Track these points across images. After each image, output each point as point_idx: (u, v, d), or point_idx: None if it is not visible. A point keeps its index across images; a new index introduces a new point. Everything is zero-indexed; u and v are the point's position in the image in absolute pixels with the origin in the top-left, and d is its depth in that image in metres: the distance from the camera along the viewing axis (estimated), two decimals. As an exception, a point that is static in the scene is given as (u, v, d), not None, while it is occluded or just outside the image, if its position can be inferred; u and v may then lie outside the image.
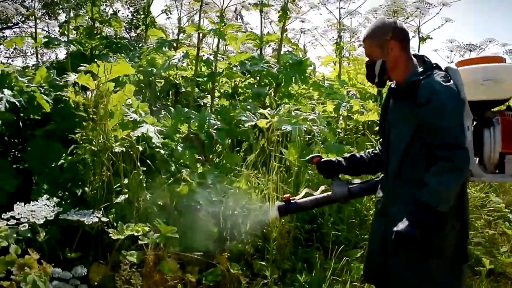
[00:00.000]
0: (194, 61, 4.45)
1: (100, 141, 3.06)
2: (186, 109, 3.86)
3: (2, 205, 2.67)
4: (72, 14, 4.79)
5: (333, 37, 6.52)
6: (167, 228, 2.64)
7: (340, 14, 6.00)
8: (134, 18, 6.13)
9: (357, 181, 2.33)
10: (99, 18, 4.93)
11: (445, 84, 1.93)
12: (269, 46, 6.04)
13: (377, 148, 2.34)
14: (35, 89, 3.03)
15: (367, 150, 2.39)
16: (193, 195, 3.07)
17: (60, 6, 5.33)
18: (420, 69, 2.01)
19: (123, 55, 4.99)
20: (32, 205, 2.49)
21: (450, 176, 1.83)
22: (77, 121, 3.37)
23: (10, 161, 3.22)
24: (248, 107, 4.09)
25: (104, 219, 2.66)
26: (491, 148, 2.07)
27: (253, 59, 4.75)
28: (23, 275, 2.12)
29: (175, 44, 5.09)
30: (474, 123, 2.11)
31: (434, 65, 2.04)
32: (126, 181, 3.08)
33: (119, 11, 6.09)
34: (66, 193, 2.93)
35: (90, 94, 3.46)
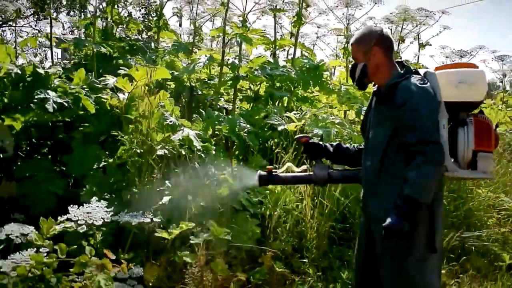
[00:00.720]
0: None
1: (144, 144, 3.10)
2: (216, 112, 3.92)
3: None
4: (88, 14, 4.81)
5: (339, 42, 6.71)
6: (219, 230, 2.69)
7: (348, 21, 6.14)
8: (146, 20, 6.17)
9: (338, 168, 2.45)
10: (118, 20, 4.94)
11: (421, 85, 2.05)
12: (283, 50, 6.11)
13: (362, 144, 2.43)
14: (80, 90, 3.05)
15: (353, 144, 2.54)
16: (236, 197, 3.14)
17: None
18: (399, 74, 2.15)
19: (139, 57, 5.04)
20: (86, 207, 2.51)
21: (427, 168, 1.94)
22: (112, 123, 3.43)
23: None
24: (275, 110, 4.17)
25: (156, 219, 2.70)
26: (464, 146, 2.16)
27: (271, 63, 4.84)
28: (91, 276, 2.15)
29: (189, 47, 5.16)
30: (450, 123, 2.20)
31: (413, 70, 2.17)
32: (167, 182, 3.13)
33: (130, 13, 6.08)
34: (113, 195, 2.94)
35: (123, 96, 3.52)
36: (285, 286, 2.93)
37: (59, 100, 2.86)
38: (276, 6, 4.97)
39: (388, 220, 1.93)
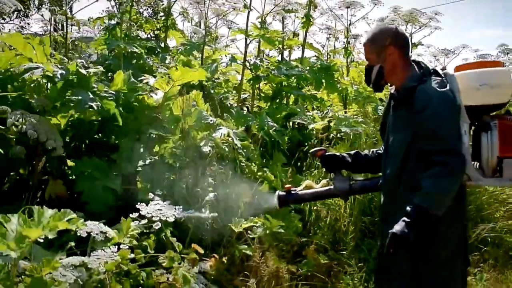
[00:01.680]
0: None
1: (188, 141, 3.20)
2: (245, 112, 4.04)
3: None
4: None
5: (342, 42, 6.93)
6: (274, 224, 2.83)
7: (350, 22, 6.35)
8: (154, 20, 6.20)
9: (358, 178, 2.38)
10: (136, 20, 4.99)
11: (440, 90, 1.94)
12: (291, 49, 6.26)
13: (381, 148, 2.34)
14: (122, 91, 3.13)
15: (372, 150, 2.40)
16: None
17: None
18: (417, 75, 2.03)
19: (154, 56, 5.11)
20: (155, 204, 2.61)
21: (445, 180, 1.85)
22: (148, 122, 3.51)
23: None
24: (298, 110, 4.33)
25: (213, 215, 2.81)
26: (488, 152, 2.06)
27: (286, 64, 5.00)
28: (175, 270, 2.26)
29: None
30: (472, 127, 2.13)
31: (432, 71, 2.05)
32: (210, 179, 3.24)
33: (142, 12, 6.11)
34: (164, 191, 3.04)
35: (159, 96, 3.61)
36: (330, 277, 3.10)
37: (97, 103, 2.91)
38: (292, 8, 5.13)
39: (396, 227, 1.86)
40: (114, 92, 2.98)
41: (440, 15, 6.61)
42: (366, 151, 2.39)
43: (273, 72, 4.74)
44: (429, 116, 1.91)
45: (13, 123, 2.90)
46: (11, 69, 3.36)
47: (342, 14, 6.41)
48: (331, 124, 4.07)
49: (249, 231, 2.84)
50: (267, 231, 2.83)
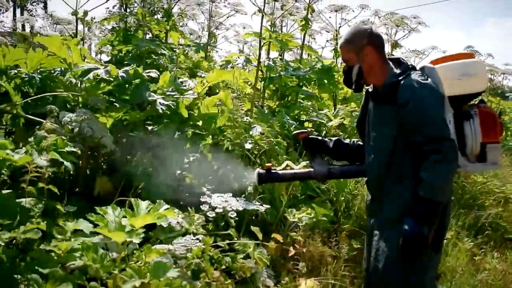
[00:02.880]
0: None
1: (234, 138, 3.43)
2: (266, 111, 4.29)
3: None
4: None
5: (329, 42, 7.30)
6: (321, 211, 3.11)
7: (339, 24, 6.72)
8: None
9: (337, 163, 2.43)
10: (148, 21, 5.11)
11: (423, 82, 2.00)
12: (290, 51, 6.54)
13: (361, 141, 2.40)
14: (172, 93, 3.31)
15: (353, 140, 2.45)
16: (308, 185, 3.57)
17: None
18: (397, 71, 2.08)
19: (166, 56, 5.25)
20: (217, 196, 2.82)
21: (442, 167, 1.89)
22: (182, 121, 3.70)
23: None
24: (311, 108, 4.62)
25: (267, 206, 3.06)
26: (472, 139, 2.10)
27: (291, 65, 5.29)
28: (252, 254, 2.50)
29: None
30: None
31: (410, 66, 2.11)
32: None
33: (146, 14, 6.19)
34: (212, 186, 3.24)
35: (192, 96, 3.80)
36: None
37: (164, 102, 3.10)
38: (293, 11, 5.42)
39: (406, 227, 1.88)
40: (174, 93, 3.14)
41: (417, 18, 7.11)
42: (347, 140, 2.44)
43: (282, 73, 5.01)
44: (414, 108, 1.95)
45: (69, 121, 3.03)
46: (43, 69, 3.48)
47: (330, 17, 6.79)
48: (345, 121, 4.38)
49: (298, 219, 3.08)
50: (313, 219, 3.10)
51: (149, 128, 3.39)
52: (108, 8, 5.98)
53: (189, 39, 5.98)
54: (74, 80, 3.70)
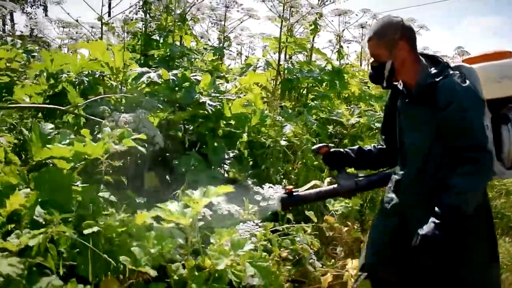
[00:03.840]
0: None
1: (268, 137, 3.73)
2: (290, 110, 4.60)
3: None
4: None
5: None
6: (356, 201, 3.43)
7: (343, 29, 7.07)
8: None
9: (361, 174, 2.32)
10: (171, 26, 5.37)
11: (464, 85, 1.90)
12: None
13: (380, 143, 2.35)
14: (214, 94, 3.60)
15: (373, 145, 2.37)
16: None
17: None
18: (433, 70, 1.96)
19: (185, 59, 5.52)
20: (268, 188, 3.12)
21: (477, 178, 1.83)
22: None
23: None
24: (328, 108, 4.95)
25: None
26: (510, 143, 2.02)
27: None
28: (305, 237, 2.80)
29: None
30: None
31: (446, 65, 1.99)
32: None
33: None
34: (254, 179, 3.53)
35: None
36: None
37: (211, 103, 3.38)
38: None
39: (425, 228, 1.83)
40: (219, 95, 3.42)
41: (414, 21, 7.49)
42: (368, 147, 2.34)
43: (297, 75, 5.32)
44: (456, 112, 1.87)
45: (125, 121, 3.30)
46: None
47: (332, 20, 7.14)
48: (361, 120, 4.71)
49: (337, 209, 3.39)
50: (349, 209, 3.42)
51: (185, 127, 3.65)
52: (124, 13, 6.16)
53: (202, 43, 6.24)
54: (114, 83, 3.98)
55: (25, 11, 10.75)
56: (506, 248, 3.92)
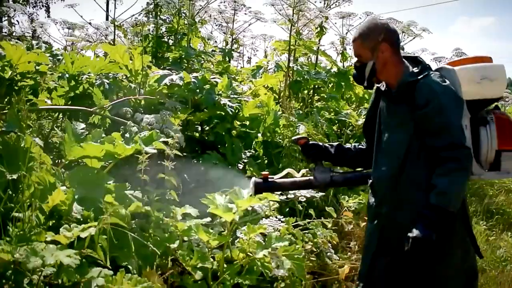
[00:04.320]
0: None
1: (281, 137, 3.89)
2: (300, 111, 4.76)
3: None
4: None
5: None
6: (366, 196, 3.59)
7: (347, 31, 7.23)
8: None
9: (339, 170, 2.38)
10: (182, 29, 5.50)
11: (443, 84, 1.92)
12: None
13: (362, 144, 2.34)
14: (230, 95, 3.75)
15: (354, 144, 2.38)
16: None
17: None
18: (415, 70, 1.98)
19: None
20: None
21: (458, 176, 1.83)
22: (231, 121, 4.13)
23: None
24: (337, 109, 5.11)
25: (322, 193, 3.52)
26: (488, 146, 2.04)
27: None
28: (323, 231, 2.97)
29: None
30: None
31: (427, 66, 2.02)
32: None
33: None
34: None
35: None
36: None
37: (231, 104, 3.53)
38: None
39: (415, 231, 1.83)
40: (237, 96, 3.57)
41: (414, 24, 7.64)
42: (348, 145, 2.35)
43: (305, 76, 5.48)
44: (434, 111, 1.87)
45: (148, 121, 3.44)
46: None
47: (336, 23, 7.29)
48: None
49: (352, 205, 3.55)
50: (361, 205, 3.58)
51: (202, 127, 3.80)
52: (133, 15, 6.30)
53: (211, 45, 6.38)
54: (133, 85, 4.12)
55: (26, 12, 10.81)
56: (508, 242, 4.10)
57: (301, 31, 5.56)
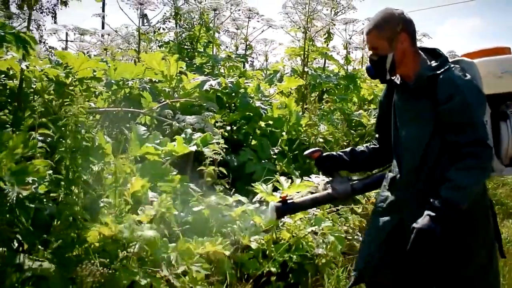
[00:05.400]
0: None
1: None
2: (319, 112, 5.18)
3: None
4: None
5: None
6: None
7: (350, 36, 7.68)
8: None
9: (355, 177, 2.29)
10: (203, 36, 5.91)
11: (466, 78, 1.84)
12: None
13: (373, 142, 2.26)
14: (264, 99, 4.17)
15: (366, 145, 2.27)
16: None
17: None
18: (434, 63, 1.90)
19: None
20: (315, 177, 3.68)
21: (477, 173, 1.76)
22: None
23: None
24: (347, 110, 5.55)
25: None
26: (509, 140, 1.98)
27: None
28: (353, 217, 3.40)
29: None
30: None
31: (447, 58, 1.93)
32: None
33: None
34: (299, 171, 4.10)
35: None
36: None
37: (264, 106, 3.94)
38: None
39: (420, 221, 1.76)
40: (268, 99, 3.99)
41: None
42: (361, 147, 2.25)
43: (318, 80, 5.92)
44: (457, 106, 1.80)
45: (191, 122, 3.84)
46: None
47: (339, 28, 7.74)
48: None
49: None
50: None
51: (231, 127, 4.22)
52: (151, 23, 6.69)
53: (227, 51, 6.79)
54: (167, 89, 4.52)
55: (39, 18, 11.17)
56: (510, 228, 4.57)
57: (315, 38, 6.00)
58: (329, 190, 2.13)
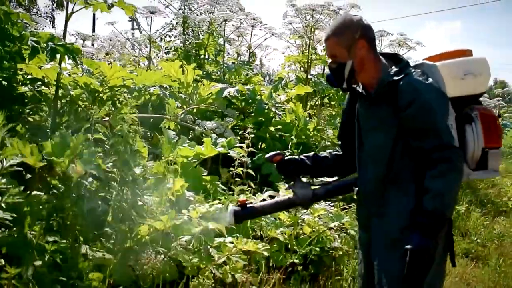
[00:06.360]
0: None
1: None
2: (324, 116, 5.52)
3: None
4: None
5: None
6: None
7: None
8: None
9: (317, 183, 2.16)
10: (213, 46, 6.21)
11: (426, 82, 1.81)
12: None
13: (336, 149, 2.21)
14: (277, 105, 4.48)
15: (329, 151, 2.22)
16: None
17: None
18: (394, 69, 1.86)
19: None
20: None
21: (453, 178, 1.72)
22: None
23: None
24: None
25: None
26: (474, 144, 1.94)
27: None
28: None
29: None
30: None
31: (407, 63, 1.89)
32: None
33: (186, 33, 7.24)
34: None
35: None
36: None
37: (278, 112, 4.26)
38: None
39: (414, 241, 1.70)
40: (282, 105, 4.30)
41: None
42: (324, 153, 2.20)
43: (320, 86, 6.26)
44: (420, 111, 1.76)
45: (211, 127, 4.14)
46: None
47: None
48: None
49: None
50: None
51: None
52: (158, 30, 6.97)
53: (230, 57, 7.10)
54: (183, 96, 4.81)
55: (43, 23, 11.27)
56: (501, 224, 4.95)
57: (315, 46, 6.33)
58: (290, 195, 2.09)
